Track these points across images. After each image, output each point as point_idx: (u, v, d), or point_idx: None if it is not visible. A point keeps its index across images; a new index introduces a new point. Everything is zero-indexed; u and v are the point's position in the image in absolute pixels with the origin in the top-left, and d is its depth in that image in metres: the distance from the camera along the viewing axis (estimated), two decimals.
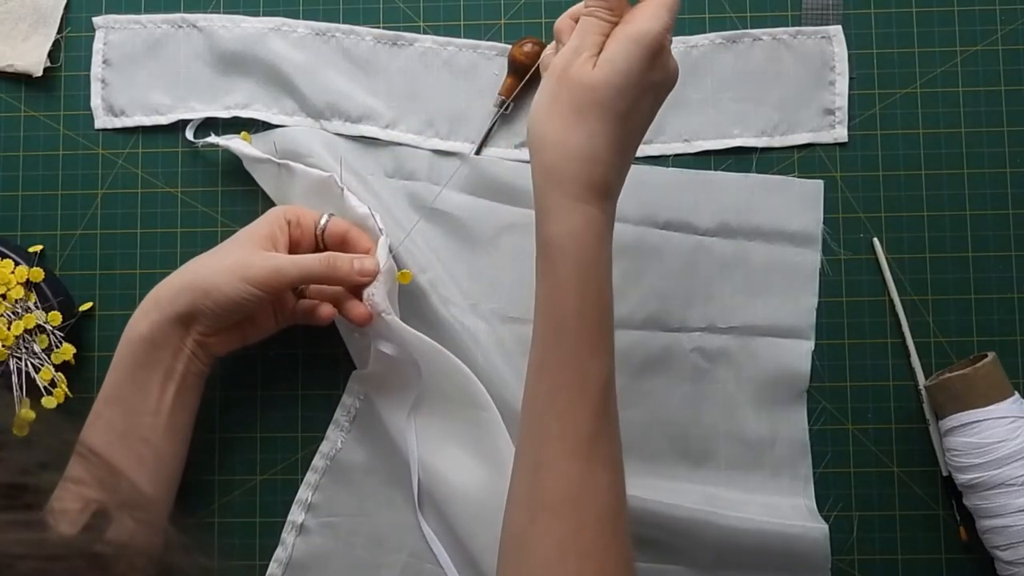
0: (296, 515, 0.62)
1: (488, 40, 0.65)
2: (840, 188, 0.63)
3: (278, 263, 0.54)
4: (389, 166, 0.64)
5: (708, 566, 0.59)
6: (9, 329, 0.58)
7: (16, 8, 0.66)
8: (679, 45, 0.63)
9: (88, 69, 0.66)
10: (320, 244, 0.59)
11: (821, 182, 0.63)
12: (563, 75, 0.46)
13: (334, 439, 0.63)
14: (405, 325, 0.57)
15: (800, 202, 0.63)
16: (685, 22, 0.64)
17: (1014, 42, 0.63)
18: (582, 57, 0.46)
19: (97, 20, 0.66)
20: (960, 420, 0.57)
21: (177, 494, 0.58)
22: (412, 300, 0.61)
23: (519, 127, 0.64)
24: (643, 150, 0.63)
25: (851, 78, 0.63)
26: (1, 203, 0.65)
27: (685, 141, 0.63)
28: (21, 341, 0.59)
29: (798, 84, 0.63)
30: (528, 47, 0.62)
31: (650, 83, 0.46)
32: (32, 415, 0.54)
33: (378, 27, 0.65)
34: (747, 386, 0.62)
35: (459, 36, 0.65)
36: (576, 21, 0.48)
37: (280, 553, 0.61)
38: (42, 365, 0.59)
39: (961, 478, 0.57)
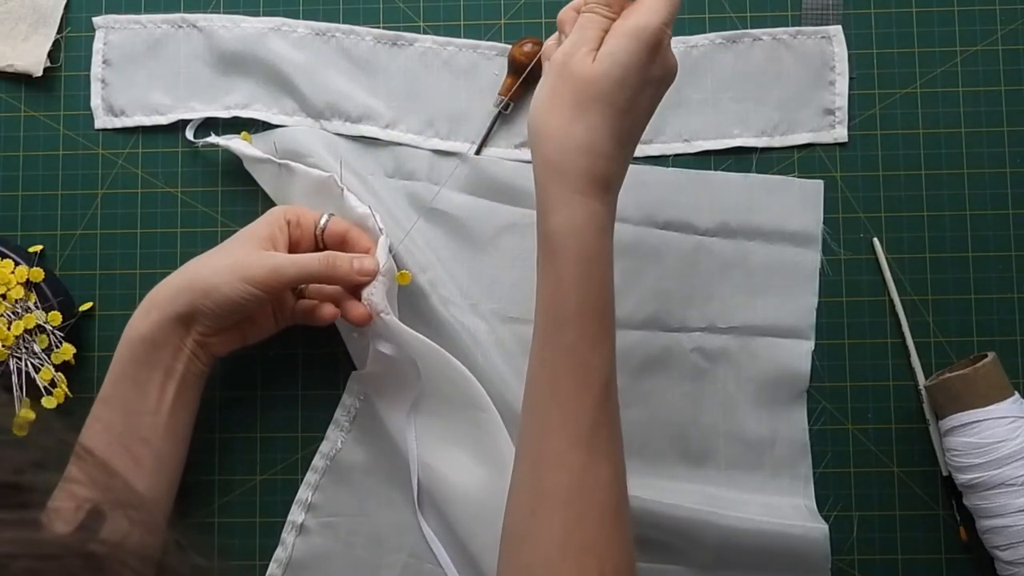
0: (296, 515, 0.62)
1: (488, 40, 0.65)
2: (840, 188, 0.63)
3: (277, 263, 0.54)
4: (389, 166, 0.64)
5: (708, 566, 0.59)
6: (9, 329, 0.58)
7: (16, 8, 0.66)
8: (679, 45, 0.63)
9: (88, 69, 0.66)
10: (320, 244, 0.59)
11: (821, 182, 0.63)
12: (563, 69, 0.46)
13: (334, 439, 0.63)
14: (404, 325, 0.57)
15: (800, 202, 0.63)
16: (685, 22, 0.64)
17: (1014, 42, 0.63)
18: (582, 51, 0.46)
19: (97, 20, 0.66)
20: (960, 420, 0.57)
21: (177, 494, 0.58)
22: (412, 300, 0.61)
23: (519, 127, 0.64)
24: (643, 150, 0.63)
25: (851, 78, 0.63)
26: (1, 203, 0.65)
27: (685, 141, 0.63)
28: (21, 341, 0.59)
29: (798, 84, 0.63)
30: (528, 47, 0.62)
31: (650, 77, 0.47)
32: (32, 415, 0.55)
33: (378, 27, 0.65)
34: (747, 386, 0.62)
35: (459, 36, 0.65)
36: (579, 13, 0.48)
37: (280, 553, 0.61)
38: (42, 365, 0.59)
39: (961, 478, 0.57)
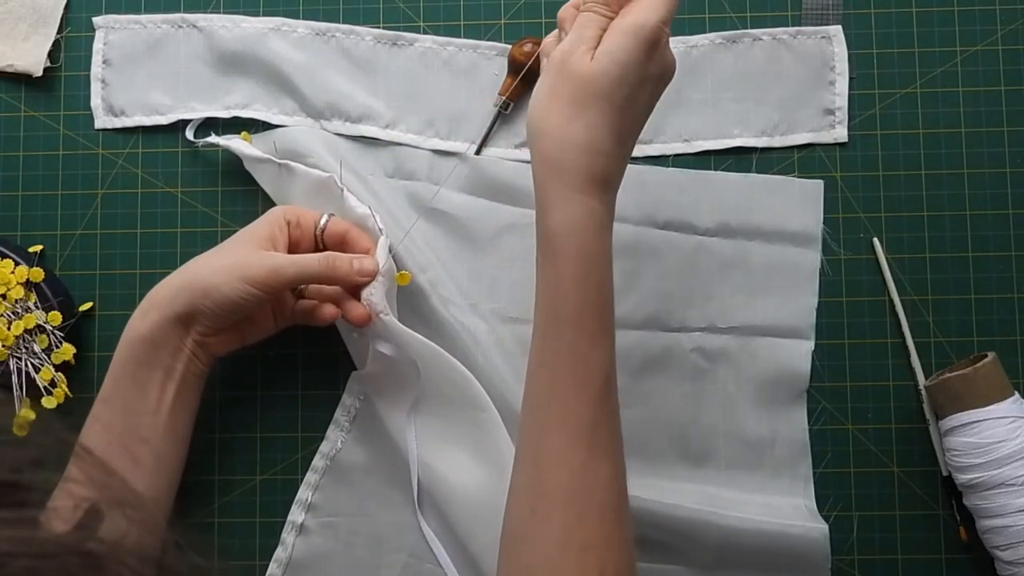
0: (296, 515, 0.62)
1: (488, 40, 0.65)
2: (840, 188, 0.63)
3: (277, 263, 0.54)
4: (389, 166, 0.64)
5: (708, 566, 0.59)
6: (9, 329, 0.58)
7: (16, 8, 0.66)
8: (679, 45, 0.63)
9: (88, 69, 0.66)
10: (320, 244, 0.59)
11: (821, 182, 0.63)
12: (562, 67, 0.47)
13: (334, 439, 0.63)
14: (403, 326, 0.57)
15: (800, 202, 0.63)
16: (685, 22, 0.64)
17: (1014, 42, 0.63)
18: (580, 49, 0.46)
19: (97, 20, 0.66)
20: (960, 420, 0.57)
21: (177, 494, 0.58)
22: (412, 300, 0.61)
23: (519, 127, 0.64)
24: (643, 150, 0.63)
25: (851, 78, 0.63)
26: (1, 203, 0.65)
27: (685, 141, 0.63)
28: (21, 341, 0.59)
29: (798, 84, 0.63)
30: (528, 47, 0.62)
31: (648, 75, 0.47)
32: (32, 415, 0.55)
33: (378, 27, 0.65)
34: (747, 386, 0.62)
35: (459, 36, 0.65)
36: (579, 11, 0.48)
37: (280, 553, 0.61)
38: (42, 365, 0.59)
39: (961, 478, 0.57)
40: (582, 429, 0.46)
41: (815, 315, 0.62)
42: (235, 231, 0.59)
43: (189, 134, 0.64)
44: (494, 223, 0.63)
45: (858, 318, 0.62)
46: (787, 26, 0.64)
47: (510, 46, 0.63)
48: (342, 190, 0.60)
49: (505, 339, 0.61)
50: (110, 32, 0.66)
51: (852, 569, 0.61)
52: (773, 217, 0.62)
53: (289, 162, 0.61)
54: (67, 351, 0.60)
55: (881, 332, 0.62)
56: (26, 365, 0.59)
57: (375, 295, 0.56)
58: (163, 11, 0.66)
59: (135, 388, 0.55)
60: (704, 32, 0.64)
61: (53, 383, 0.59)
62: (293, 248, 0.58)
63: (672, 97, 0.63)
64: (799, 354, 0.62)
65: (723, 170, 0.63)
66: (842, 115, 0.63)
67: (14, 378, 0.58)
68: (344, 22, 0.65)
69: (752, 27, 0.64)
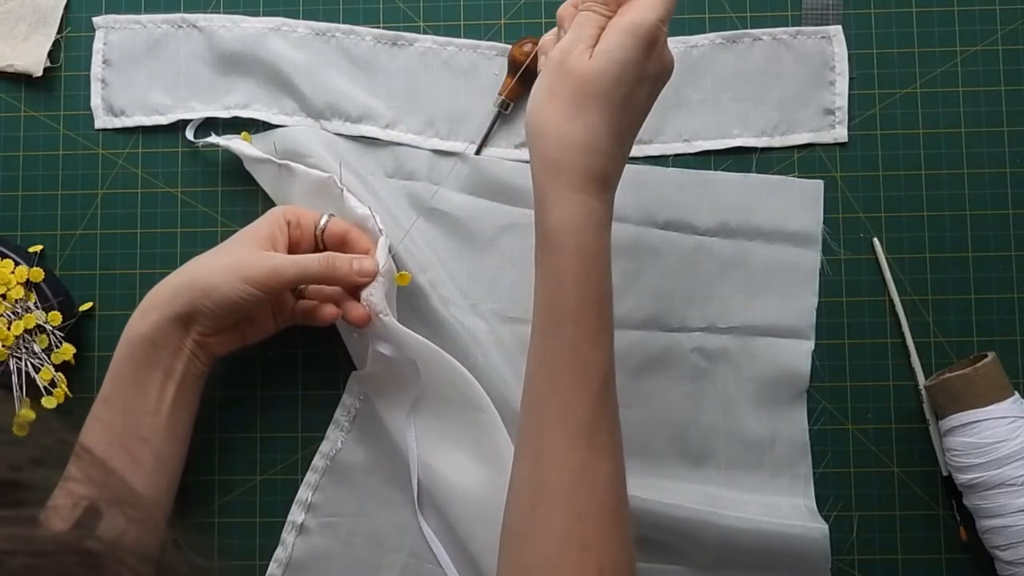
0: (296, 515, 0.62)
1: (488, 40, 0.65)
2: (840, 188, 0.63)
3: (276, 263, 0.54)
4: (389, 166, 0.64)
5: (708, 566, 0.59)
6: (9, 329, 0.58)
7: (16, 8, 0.66)
8: (679, 45, 0.63)
9: (88, 69, 0.66)
10: (320, 244, 0.59)
11: (821, 182, 0.63)
12: (560, 67, 0.47)
13: (334, 439, 0.63)
14: (402, 326, 0.57)
15: (800, 202, 0.63)
16: (685, 22, 0.64)
17: (1014, 42, 0.63)
18: (579, 48, 0.46)
19: (97, 20, 0.66)
20: (960, 420, 0.57)
21: (177, 494, 0.58)
22: (412, 300, 0.61)
23: (519, 127, 0.64)
24: (643, 150, 0.63)
25: (851, 78, 0.63)
26: (1, 203, 0.65)
27: (685, 141, 0.63)
28: (21, 341, 0.59)
29: (798, 84, 0.63)
30: (528, 47, 0.62)
31: (646, 74, 0.47)
32: (32, 415, 0.55)
33: (378, 27, 0.65)
34: (747, 386, 0.62)
35: (459, 36, 0.65)
36: (577, 9, 0.48)
37: (280, 553, 0.61)
38: (42, 365, 0.59)
39: (961, 478, 0.57)
40: (582, 428, 0.46)
41: (815, 315, 0.62)
42: (235, 231, 0.59)
43: (189, 134, 0.64)
44: (494, 223, 0.63)
45: (858, 318, 0.62)
46: (787, 26, 0.64)
47: (510, 46, 0.63)
48: (342, 190, 0.60)
49: (505, 339, 0.61)
50: (110, 32, 0.66)
51: (852, 569, 0.61)
52: (773, 217, 0.62)
53: (289, 162, 0.61)
54: (67, 351, 0.60)
55: (881, 332, 0.62)
56: (26, 365, 0.59)
57: (375, 295, 0.56)
58: (163, 11, 0.66)
59: (135, 388, 0.55)
60: (704, 32, 0.64)
61: (53, 383, 0.59)
62: (293, 248, 0.58)
63: (672, 97, 0.63)
64: (799, 354, 0.62)
65: (723, 170, 0.63)
66: (842, 115, 0.63)
67: (14, 378, 0.58)
68: (344, 22, 0.65)
69: (752, 27, 0.64)
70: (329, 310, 0.57)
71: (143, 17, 0.66)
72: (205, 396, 0.59)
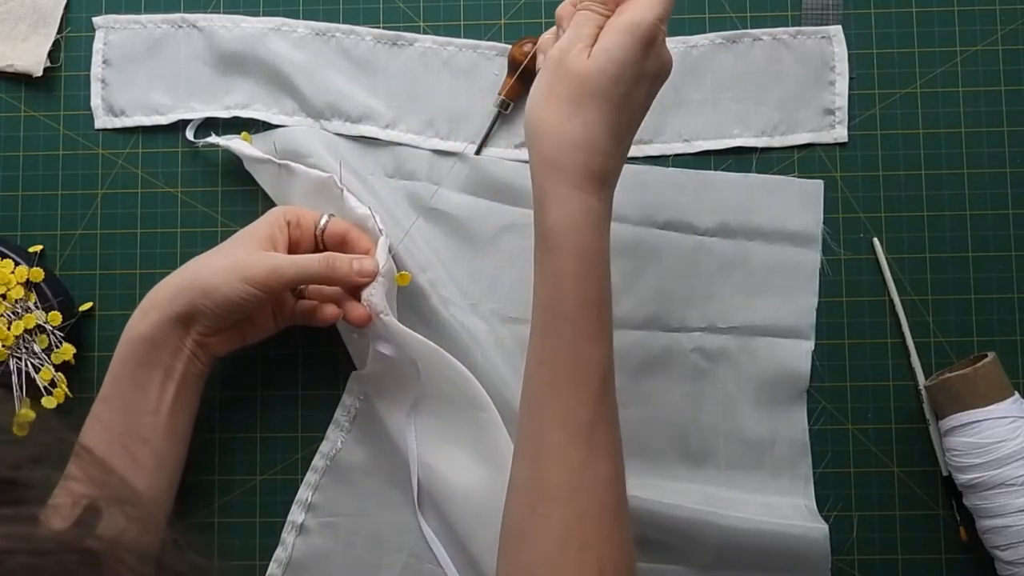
0: (296, 515, 0.62)
1: (488, 40, 0.65)
2: (840, 188, 0.63)
3: (276, 263, 0.55)
4: (389, 166, 0.64)
5: (708, 566, 0.59)
6: (9, 329, 0.58)
7: (16, 8, 0.66)
8: (679, 45, 0.63)
9: (88, 69, 0.66)
10: (320, 244, 0.59)
11: (821, 182, 0.63)
12: (558, 66, 0.47)
13: (334, 439, 0.62)
14: (403, 326, 0.57)
15: (800, 202, 0.63)
16: (685, 22, 0.64)
17: (1014, 42, 0.63)
18: (577, 47, 0.46)
19: (97, 20, 0.66)
20: (960, 420, 0.57)
21: (177, 494, 0.58)
22: (412, 300, 0.61)
23: (519, 127, 0.64)
24: (643, 150, 0.63)
25: (851, 78, 0.63)
26: (1, 203, 0.65)
27: (685, 141, 0.63)
28: (21, 341, 0.59)
29: (798, 84, 0.63)
30: (528, 47, 0.62)
31: (645, 73, 0.47)
32: (32, 415, 0.54)
33: (378, 27, 0.65)
34: (747, 386, 0.62)
35: (459, 36, 0.65)
36: (576, 8, 0.48)
37: (280, 553, 0.61)
38: (42, 365, 0.59)
39: (961, 478, 0.57)
40: (581, 427, 0.46)
41: (815, 315, 0.62)
42: (235, 231, 0.59)
43: (189, 134, 0.64)
44: (494, 223, 0.63)
45: (858, 318, 0.62)
46: (787, 26, 0.64)
47: (510, 46, 0.63)
48: (342, 190, 0.60)
49: (505, 339, 0.61)
50: (110, 32, 0.66)
51: (852, 569, 0.61)
52: (773, 217, 0.62)
53: (289, 162, 0.61)
54: (67, 351, 0.60)
55: (881, 332, 0.62)
56: (26, 365, 0.59)
57: (375, 295, 0.56)
58: (163, 11, 0.66)
59: (135, 388, 0.55)
60: (704, 32, 0.64)
61: (53, 383, 0.59)
62: (293, 248, 0.58)
63: (672, 97, 0.63)
64: (799, 354, 0.62)
65: (723, 170, 0.63)
66: (842, 115, 0.63)
67: (14, 378, 0.58)
68: (344, 22, 0.65)
69: (752, 27, 0.64)
70: (330, 310, 0.57)
71: (143, 17, 0.66)
72: (205, 396, 0.59)
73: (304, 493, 0.62)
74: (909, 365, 0.62)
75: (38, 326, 0.59)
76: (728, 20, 0.64)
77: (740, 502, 0.60)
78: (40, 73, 0.65)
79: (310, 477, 0.62)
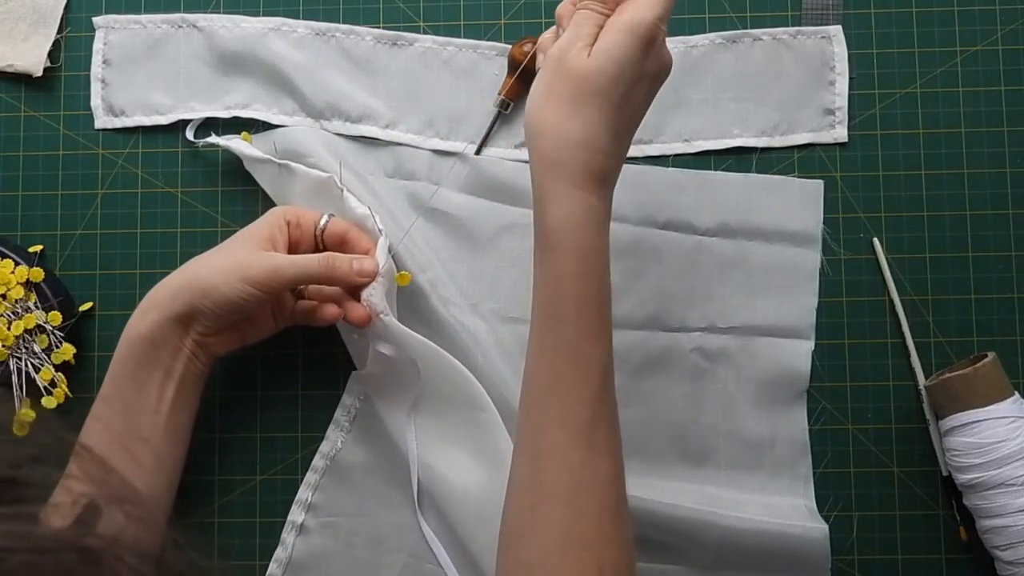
0: (296, 515, 0.62)
1: (488, 40, 0.65)
2: (840, 188, 0.63)
3: (276, 263, 0.55)
4: (389, 166, 0.64)
5: (708, 566, 0.59)
6: (9, 329, 0.58)
7: (16, 8, 0.66)
8: (679, 45, 0.63)
9: (88, 69, 0.66)
10: (320, 245, 0.59)
11: (821, 182, 0.63)
12: (558, 65, 0.47)
13: (334, 439, 0.63)
14: (403, 326, 0.57)
15: (800, 202, 0.63)
16: (685, 22, 0.64)
17: (1014, 42, 0.63)
18: (577, 46, 0.46)
19: (97, 20, 0.66)
20: (960, 420, 0.57)
21: (177, 494, 0.58)
22: (412, 300, 0.61)
23: (519, 127, 0.64)
24: (643, 150, 0.63)
25: (851, 78, 0.63)
26: (1, 203, 0.65)
27: (685, 141, 0.63)
28: (21, 341, 0.59)
29: (798, 84, 0.63)
30: (528, 47, 0.62)
31: (644, 72, 0.47)
32: (32, 415, 0.55)
33: (378, 27, 0.65)
34: (747, 386, 0.62)
35: (459, 36, 0.65)
36: (576, 7, 0.48)
37: (280, 553, 0.61)
38: (42, 365, 0.59)
39: (961, 478, 0.57)
40: (581, 426, 0.46)
41: (815, 315, 0.62)
42: (235, 231, 0.59)
43: (189, 134, 0.65)
44: (494, 223, 0.63)
45: (858, 318, 0.62)
46: (787, 26, 0.64)
47: (510, 46, 0.63)
48: (342, 190, 0.60)
49: (505, 339, 0.61)
50: (110, 32, 0.66)
51: (852, 569, 0.61)
52: (773, 217, 0.62)
53: (289, 162, 0.61)
54: (67, 351, 0.60)
55: (881, 332, 0.62)
56: (26, 365, 0.59)
57: (375, 295, 0.56)
58: (163, 11, 0.66)
59: (135, 388, 0.55)
60: (704, 32, 0.64)
61: (53, 383, 0.59)
62: (293, 248, 0.58)
63: (672, 97, 0.63)
64: (799, 354, 0.62)
65: (723, 170, 0.63)
66: (842, 115, 0.63)
67: (14, 378, 0.58)
68: (344, 22, 0.65)
69: (752, 27, 0.64)
70: (330, 310, 0.57)
71: (143, 17, 0.66)
72: (205, 396, 0.59)
73: (304, 493, 0.62)
74: (909, 365, 0.62)
75: (38, 326, 0.59)
76: (728, 20, 0.64)
77: (740, 502, 0.60)
78: (40, 73, 0.65)
79: (310, 477, 0.62)
